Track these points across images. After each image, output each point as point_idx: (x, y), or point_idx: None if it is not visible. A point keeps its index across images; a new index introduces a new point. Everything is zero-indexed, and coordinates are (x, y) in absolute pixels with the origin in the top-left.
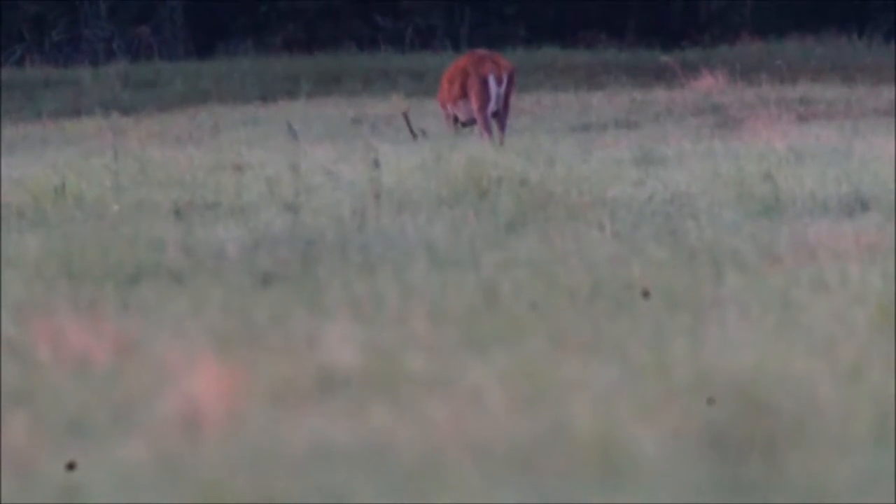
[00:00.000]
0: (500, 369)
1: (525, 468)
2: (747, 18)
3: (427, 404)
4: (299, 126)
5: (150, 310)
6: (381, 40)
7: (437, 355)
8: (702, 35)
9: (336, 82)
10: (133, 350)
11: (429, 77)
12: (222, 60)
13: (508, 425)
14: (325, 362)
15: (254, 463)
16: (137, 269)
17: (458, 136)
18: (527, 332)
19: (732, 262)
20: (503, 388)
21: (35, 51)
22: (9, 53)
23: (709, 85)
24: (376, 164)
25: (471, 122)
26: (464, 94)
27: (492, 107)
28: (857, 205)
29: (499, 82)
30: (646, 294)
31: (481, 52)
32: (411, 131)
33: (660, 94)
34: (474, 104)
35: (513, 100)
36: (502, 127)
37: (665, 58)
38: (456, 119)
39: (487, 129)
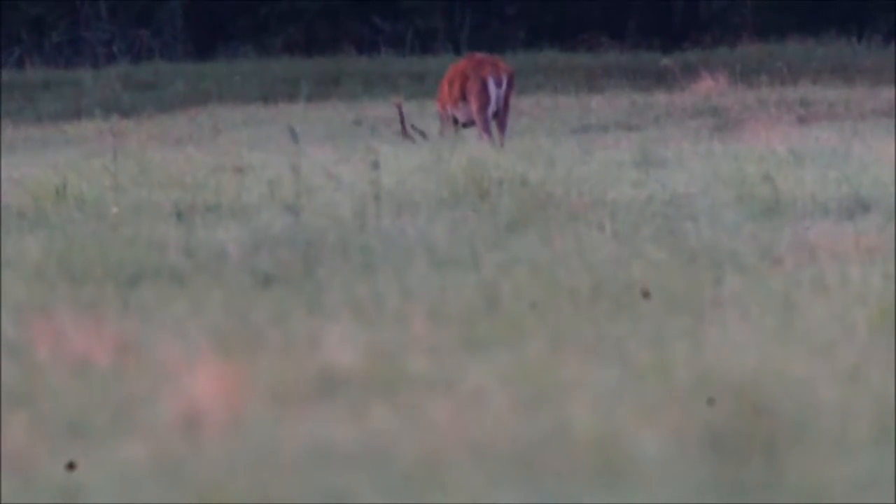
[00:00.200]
0: (500, 370)
1: (525, 469)
2: (747, 20)
3: (427, 405)
4: (299, 128)
5: (151, 310)
6: (381, 42)
7: (437, 356)
8: (702, 37)
9: (336, 84)
10: (133, 350)
11: (429, 79)
12: (222, 62)
13: (509, 426)
14: (325, 363)
15: (254, 463)
16: (138, 270)
17: (456, 138)
18: (527, 333)
19: (732, 264)
20: (503, 388)
21: (35, 52)
22: (9, 55)
23: (709, 87)
24: (376, 165)
25: (471, 124)
26: (463, 97)
27: (491, 109)
28: (858, 206)
29: (498, 84)
30: (646, 295)
31: (480, 55)
32: (403, 125)
33: (660, 97)
34: (474, 106)
35: (512, 102)
36: (502, 129)
37: (665, 60)
38: (456, 121)
39: (487, 130)
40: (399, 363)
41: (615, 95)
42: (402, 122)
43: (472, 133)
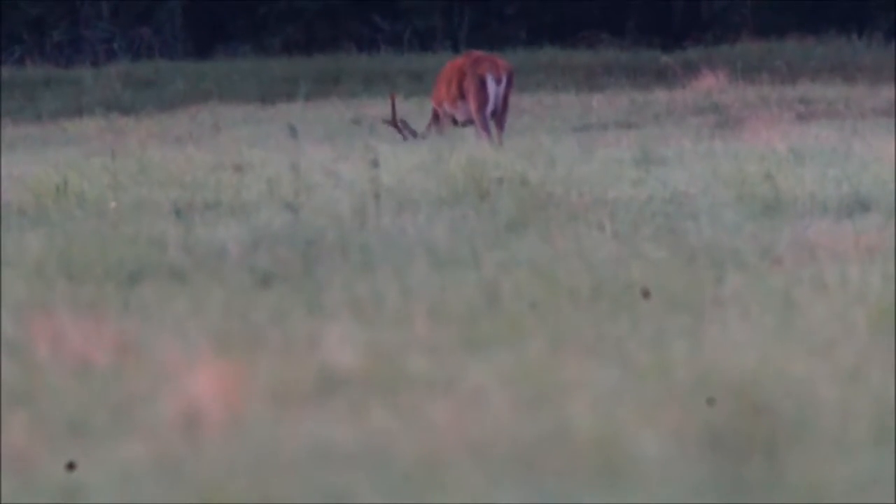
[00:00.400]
0: (500, 370)
1: (525, 469)
2: (748, 18)
3: (427, 405)
4: (298, 127)
5: (151, 310)
6: (381, 41)
7: (437, 356)
8: (702, 35)
9: (335, 83)
10: (133, 350)
11: (428, 78)
12: (222, 61)
13: (509, 426)
14: (325, 362)
15: (254, 463)
16: (138, 268)
17: (455, 136)
18: (527, 333)
19: (732, 263)
20: (504, 388)
21: (36, 51)
22: (10, 53)
23: (709, 85)
24: (376, 164)
25: (469, 123)
26: (462, 95)
27: (490, 107)
28: (857, 205)
29: (497, 82)
30: (646, 294)
31: (478, 53)
32: (394, 118)
33: (660, 95)
34: (472, 104)
35: (513, 100)
36: (501, 127)
37: (666, 58)
38: (454, 120)
39: (486, 129)
40: (399, 363)
41: (615, 93)
42: (394, 115)
43: (471, 132)
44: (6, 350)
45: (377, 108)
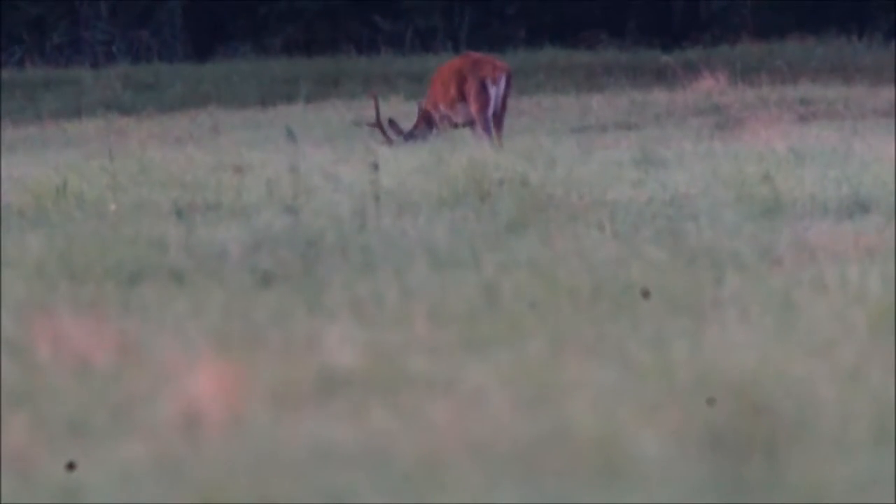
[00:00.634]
0: (500, 370)
1: (525, 468)
2: (748, 19)
3: (428, 405)
4: (298, 128)
5: (151, 310)
6: (381, 42)
7: (437, 356)
8: (702, 35)
9: (335, 85)
10: (133, 350)
11: (428, 79)
12: (222, 62)
13: (509, 426)
14: (325, 363)
15: (254, 463)
16: (138, 269)
17: (447, 138)
18: (527, 333)
19: (732, 264)
20: (504, 388)
21: (35, 52)
22: (10, 55)
23: (709, 85)
24: (376, 165)
25: (467, 124)
26: (461, 97)
27: (491, 109)
28: (857, 206)
29: (498, 85)
30: (646, 295)
31: (476, 54)
32: (378, 120)
33: (660, 95)
34: (473, 107)
35: (513, 101)
36: (499, 128)
37: (666, 58)
38: (450, 122)
39: (488, 130)
40: (399, 363)
41: (615, 94)
42: (378, 116)
43: (470, 133)
44: (6, 350)
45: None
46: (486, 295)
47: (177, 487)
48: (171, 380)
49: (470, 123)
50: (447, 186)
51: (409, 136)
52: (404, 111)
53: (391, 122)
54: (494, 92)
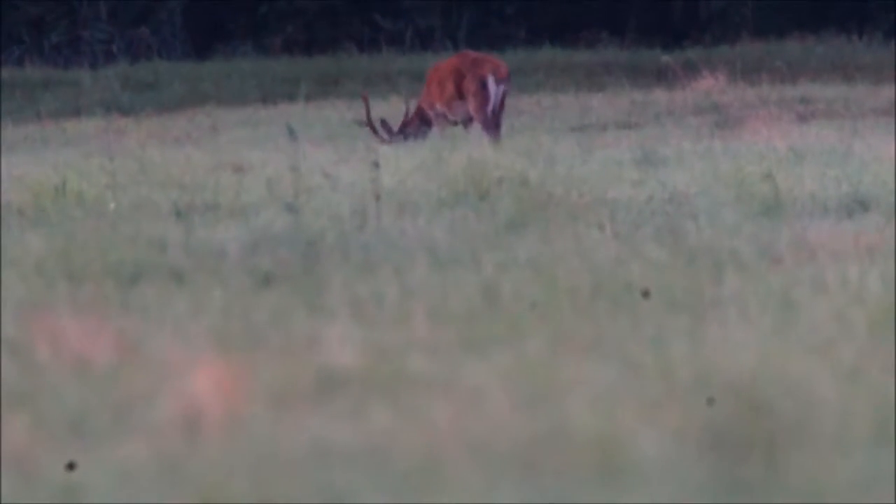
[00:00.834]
0: (500, 369)
1: (525, 468)
2: (748, 18)
3: (427, 404)
4: (299, 128)
5: (151, 310)
6: (382, 41)
7: (437, 355)
8: (702, 35)
9: (335, 84)
10: (133, 350)
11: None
12: (221, 62)
13: (508, 425)
14: (325, 363)
15: (254, 463)
16: (138, 269)
17: (447, 137)
18: (527, 332)
19: (732, 263)
20: (503, 388)
21: (35, 52)
22: (9, 54)
23: (709, 85)
24: (376, 165)
25: (465, 123)
26: (459, 96)
27: (490, 107)
28: (857, 205)
29: (498, 83)
30: (646, 294)
31: (474, 53)
32: (368, 118)
33: (660, 95)
34: (472, 105)
35: (512, 100)
36: (498, 127)
37: (665, 58)
38: (448, 121)
39: (489, 126)
40: (399, 363)
41: (615, 93)
42: (368, 115)
43: (470, 132)
44: (6, 350)
45: (378, 108)
46: (486, 295)
47: (177, 487)
48: (171, 380)
49: (466, 122)
50: (447, 186)
51: (402, 133)
52: (404, 111)
53: (383, 122)
54: (494, 91)
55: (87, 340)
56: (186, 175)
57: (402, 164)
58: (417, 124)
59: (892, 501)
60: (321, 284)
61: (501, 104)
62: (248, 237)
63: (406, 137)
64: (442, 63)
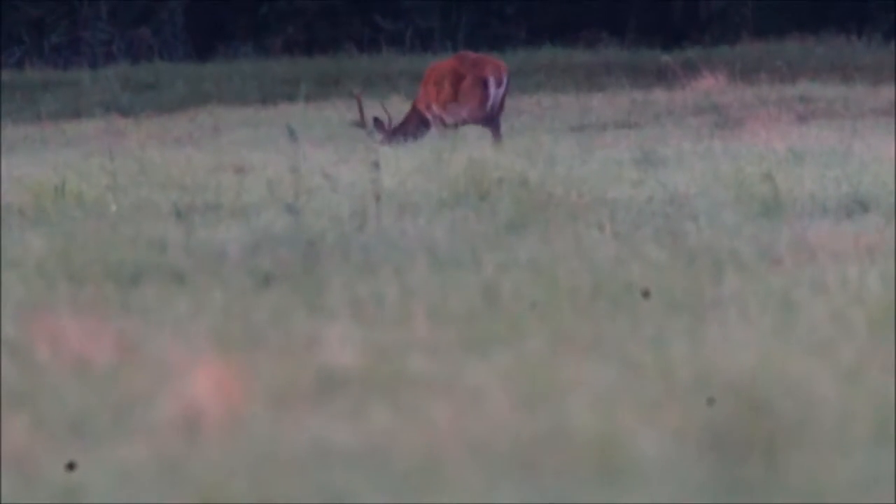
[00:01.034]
0: (500, 369)
1: (525, 468)
2: (747, 18)
3: (427, 404)
4: (299, 128)
5: (151, 310)
6: (382, 41)
7: (437, 355)
8: (702, 35)
9: (336, 84)
10: (133, 350)
11: None
12: (222, 62)
13: (509, 425)
14: (325, 363)
15: (254, 464)
16: (138, 270)
17: (447, 137)
18: (527, 332)
19: (732, 263)
20: (503, 388)
21: (35, 53)
22: (9, 55)
23: (709, 85)
24: (376, 165)
25: (463, 124)
26: (455, 97)
27: (489, 108)
28: (857, 206)
29: (498, 84)
30: (646, 294)
31: (473, 54)
32: (362, 118)
33: (660, 95)
34: (473, 105)
35: (512, 100)
36: (497, 127)
37: (665, 58)
38: (444, 122)
39: (490, 125)
40: (399, 363)
41: (615, 93)
42: (361, 114)
43: (471, 132)
44: (6, 350)
45: (378, 108)
46: (486, 295)
47: (177, 487)
48: (171, 380)
49: (463, 123)
50: (447, 186)
51: (398, 134)
52: (405, 111)
53: (377, 121)
54: (494, 91)
55: (87, 341)
56: (187, 176)
57: (403, 164)
58: (416, 124)
59: (892, 501)
60: (321, 284)
61: (501, 105)
62: (248, 238)
63: (405, 137)
64: (440, 63)
